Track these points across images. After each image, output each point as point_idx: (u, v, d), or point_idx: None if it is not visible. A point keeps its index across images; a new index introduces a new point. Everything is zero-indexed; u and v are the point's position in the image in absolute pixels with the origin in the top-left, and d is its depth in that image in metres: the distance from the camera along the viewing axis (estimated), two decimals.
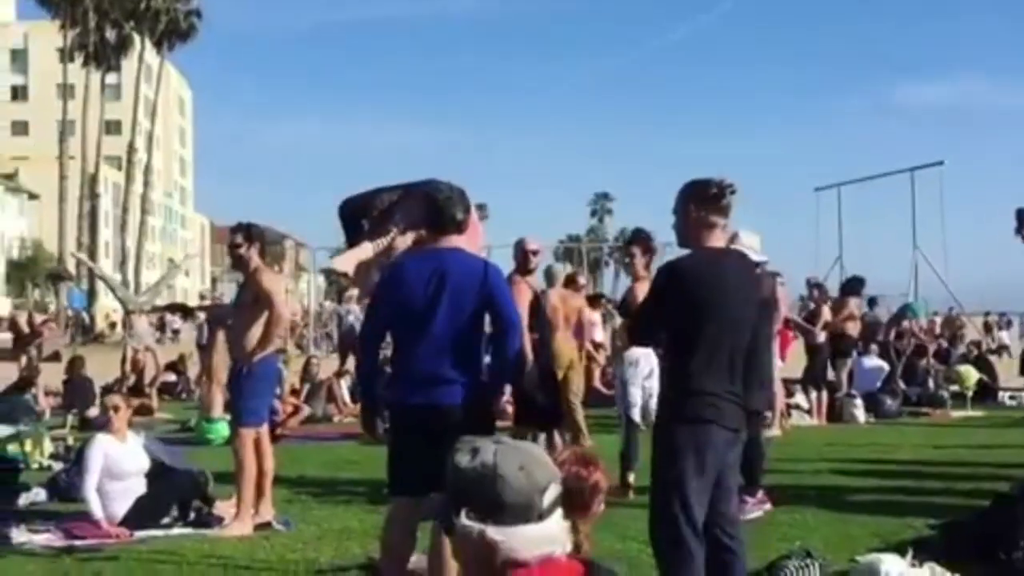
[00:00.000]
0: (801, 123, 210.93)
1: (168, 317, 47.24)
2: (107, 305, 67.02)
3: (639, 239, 9.13)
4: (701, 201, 5.05)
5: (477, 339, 5.41)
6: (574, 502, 4.01)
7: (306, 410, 15.79)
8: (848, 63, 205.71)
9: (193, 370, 20.73)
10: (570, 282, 12.06)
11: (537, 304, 9.53)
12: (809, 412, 15.11)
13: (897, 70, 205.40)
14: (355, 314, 20.87)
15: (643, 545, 5.86)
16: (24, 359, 19.35)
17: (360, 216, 6.98)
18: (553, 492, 2.49)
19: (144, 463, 8.49)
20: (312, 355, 20.62)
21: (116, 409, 8.57)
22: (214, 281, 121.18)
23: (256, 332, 8.18)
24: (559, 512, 2.50)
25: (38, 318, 20.95)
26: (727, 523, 5.13)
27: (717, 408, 4.93)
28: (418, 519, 5.46)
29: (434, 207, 5.50)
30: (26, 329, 19.50)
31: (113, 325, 61.86)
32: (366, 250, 6.87)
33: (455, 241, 5.50)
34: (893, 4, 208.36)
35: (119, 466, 8.30)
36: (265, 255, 8.54)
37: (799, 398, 14.92)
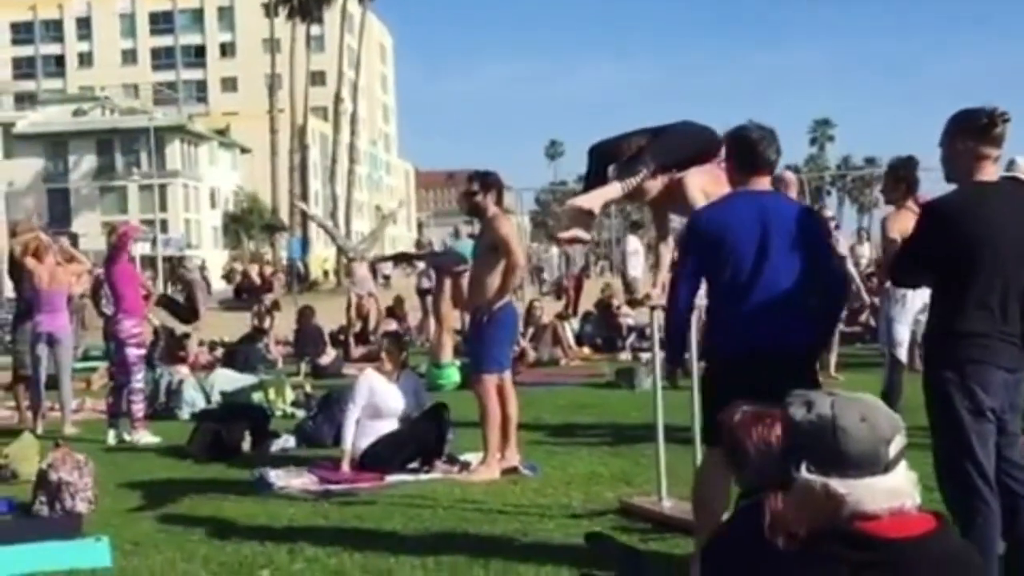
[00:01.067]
0: None
1: (380, 264, 48.28)
2: (321, 254, 69.03)
3: (906, 167, 8.60)
4: (971, 133, 4.71)
5: (807, 286, 5.15)
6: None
7: (531, 354, 15.84)
8: None
9: (412, 316, 21.06)
10: None
11: None
12: None
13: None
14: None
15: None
16: (255, 308, 19.93)
17: (609, 161, 6.81)
18: (899, 443, 2.42)
19: (402, 406, 8.67)
20: (535, 298, 20.66)
21: (389, 353, 8.91)
22: (420, 227, 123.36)
23: (495, 279, 8.18)
24: (904, 463, 2.42)
25: (267, 270, 21.49)
26: (1015, 468, 4.83)
27: (989, 349, 4.63)
28: None
29: (749, 147, 5.25)
30: (258, 281, 20.08)
31: (326, 273, 63.70)
32: (615, 190, 6.70)
33: (765, 183, 5.26)
34: None
35: (384, 403, 8.58)
36: (501, 202, 8.50)
37: None
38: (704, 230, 5.19)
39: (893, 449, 2.40)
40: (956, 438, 4.62)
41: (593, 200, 6.78)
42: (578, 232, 6.89)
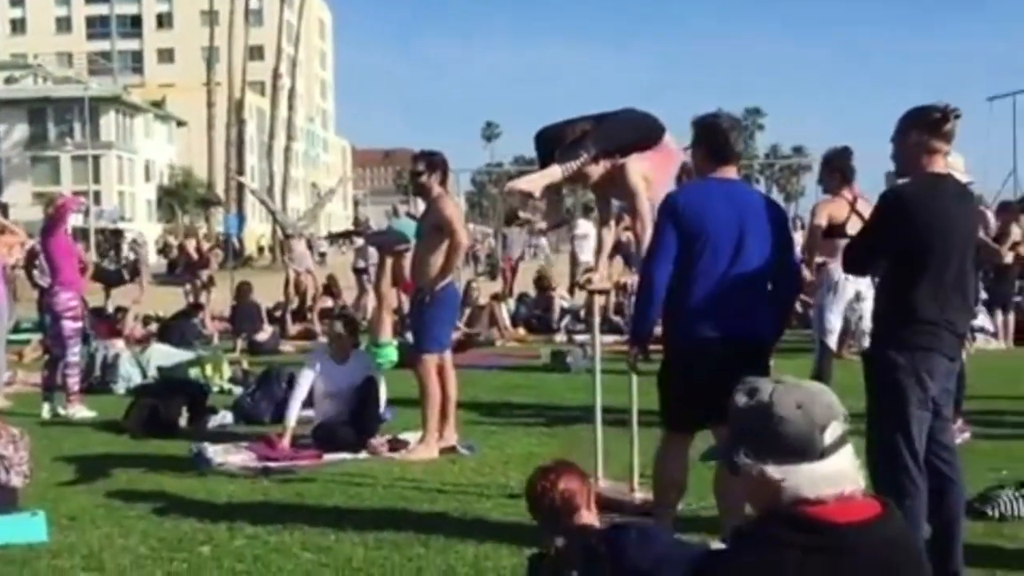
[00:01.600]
0: (974, 30, 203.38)
1: (316, 240, 48.00)
2: (256, 230, 68.52)
3: (840, 157, 8.76)
4: (924, 127, 4.87)
5: (768, 273, 5.27)
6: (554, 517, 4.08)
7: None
8: None
9: (348, 294, 21.02)
10: None
11: None
12: (995, 335, 14.65)
13: None
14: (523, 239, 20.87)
15: None
16: (192, 284, 19.79)
17: (554, 146, 6.86)
18: (836, 430, 2.44)
19: (353, 385, 8.68)
20: (471, 279, 20.70)
21: (341, 336, 8.86)
22: (356, 205, 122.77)
23: (438, 259, 8.21)
24: (847, 449, 2.45)
25: (205, 244, 21.32)
26: (945, 451, 4.99)
27: (938, 337, 4.80)
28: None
29: (721, 136, 5.34)
30: (195, 256, 19.90)
31: (261, 249, 63.23)
32: (555, 173, 6.75)
33: (732, 172, 5.36)
34: None
35: (334, 384, 8.64)
36: (446, 182, 8.52)
37: (983, 320, 14.43)
38: (683, 213, 5.25)
39: (829, 436, 2.42)
40: (898, 421, 4.75)
41: (534, 182, 6.83)
42: (525, 186, 6.87)
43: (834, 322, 8.81)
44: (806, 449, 2.41)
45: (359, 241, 20.09)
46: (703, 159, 5.43)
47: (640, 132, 6.79)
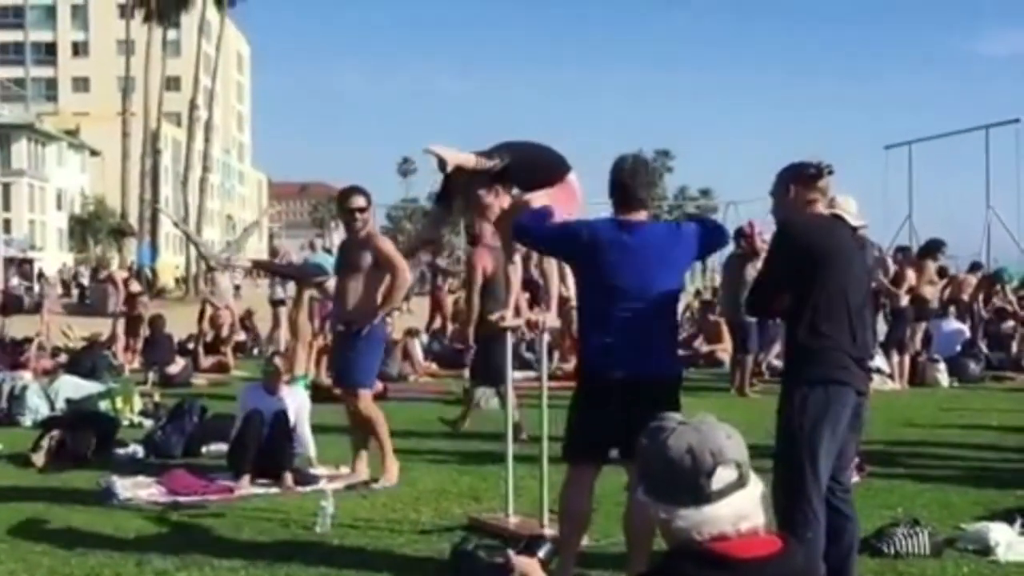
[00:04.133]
0: (871, 79, 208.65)
1: (233, 272, 47.51)
2: (171, 261, 67.76)
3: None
4: (799, 181, 5.21)
5: (674, 308, 5.48)
6: None
7: None
8: (922, 14, 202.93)
9: (262, 326, 20.91)
10: None
11: None
12: (891, 376, 15.00)
13: (971, 23, 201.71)
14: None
15: None
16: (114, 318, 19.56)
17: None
18: (725, 476, 2.46)
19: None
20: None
21: (276, 372, 8.90)
22: (271, 237, 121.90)
23: (373, 294, 8.30)
24: (742, 492, 2.47)
25: (119, 275, 21.10)
26: (843, 490, 5.15)
27: (850, 371, 4.98)
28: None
29: (620, 186, 5.49)
30: (122, 287, 19.69)
31: (178, 281, 62.50)
32: (469, 159, 6.67)
33: (641, 216, 5.50)
34: None
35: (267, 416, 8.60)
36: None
37: (879, 361, 14.78)
38: (592, 247, 5.42)
39: (717, 482, 2.44)
40: (808, 453, 4.88)
41: (449, 153, 6.71)
42: (440, 150, 6.82)
43: None
44: (693, 493, 2.44)
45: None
46: (614, 202, 5.59)
47: (551, 167, 6.88)
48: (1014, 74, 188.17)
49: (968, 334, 17.58)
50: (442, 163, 6.59)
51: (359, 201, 8.44)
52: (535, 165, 6.76)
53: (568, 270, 7.42)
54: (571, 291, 8.10)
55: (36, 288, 22.94)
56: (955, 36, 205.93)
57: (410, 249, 12.51)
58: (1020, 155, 24.15)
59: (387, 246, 8.45)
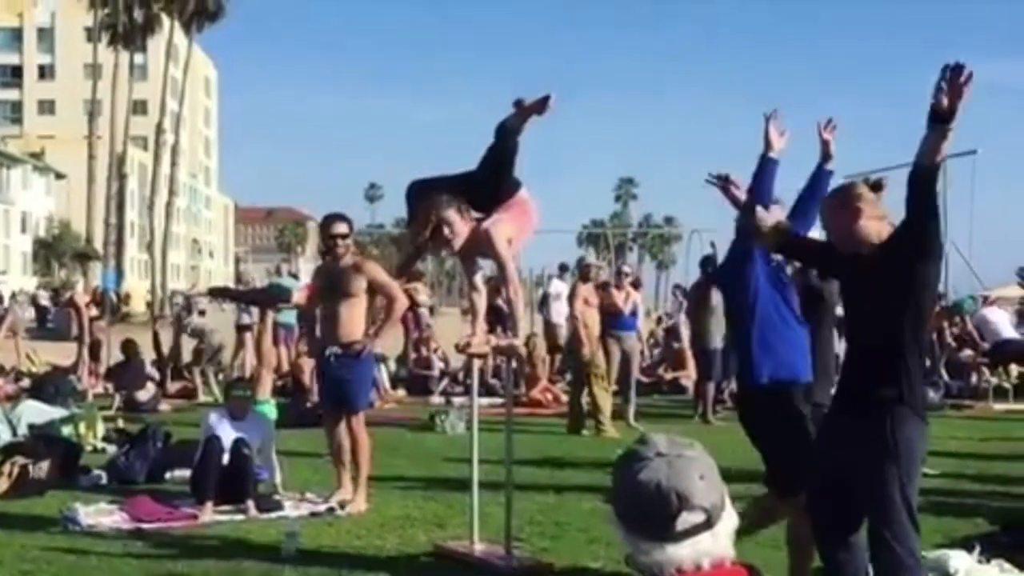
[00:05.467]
0: (827, 110, 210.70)
1: (196, 298, 47.31)
2: (137, 286, 67.38)
3: None
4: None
5: None
6: None
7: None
8: (878, 47, 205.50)
9: (227, 351, 20.82)
10: None
11: None
12: None
13: (927, 55, 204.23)
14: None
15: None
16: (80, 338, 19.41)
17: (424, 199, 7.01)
18: (690, 519, 2.39)
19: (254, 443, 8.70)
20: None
21: (244, 398, 8.98)
22: (237, 262, 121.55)
23: (360, 318, 8.55)
24: (705, 535, 2.40)
25: (81, 299, 20.93)
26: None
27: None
28: None
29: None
30: (84, 311, 19.54)
31: (149, 304, 62.12)
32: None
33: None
34: None
35: (226, 439, 8.57)
36: None
37: None
38: None
39: (681, 524, 2.38)
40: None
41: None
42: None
43: None
44: (657, 530, 2.40)
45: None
46: None
47: (509, 186, 7.01)
48: (972, 107, 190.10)
49: (928, 363, 17.74)
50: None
51: (341, 228, 8.64)
52: (483, 188, 6.88)
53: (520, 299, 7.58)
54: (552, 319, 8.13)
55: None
56: (911, 69, 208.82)
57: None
58: (977, 186, 24.30)
59: (382, 275, 8.66)
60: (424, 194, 7.02)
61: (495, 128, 6.87)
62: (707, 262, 14.50)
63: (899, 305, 4.69)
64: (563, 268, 23.95)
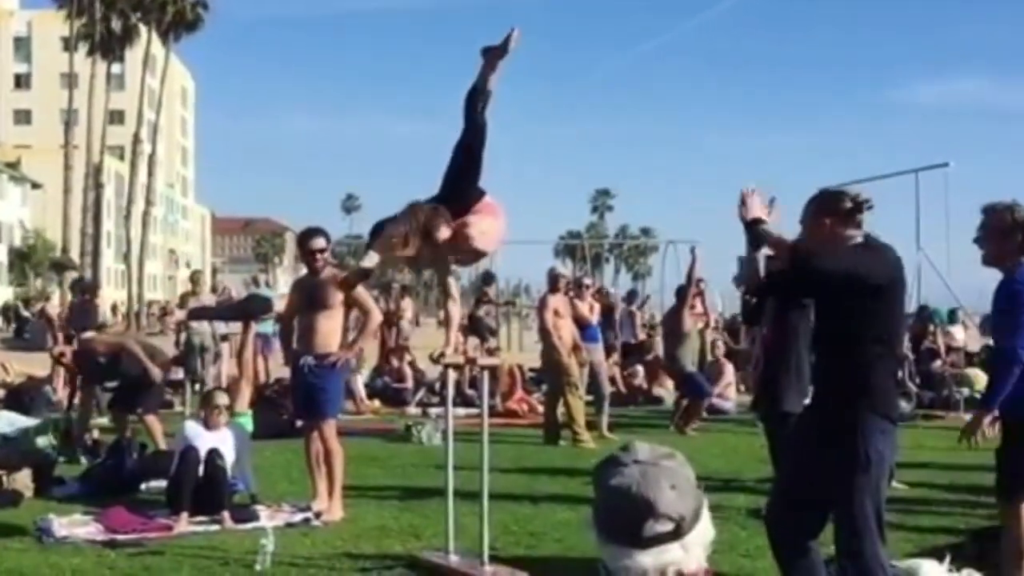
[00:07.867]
0: (803, 123, 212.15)
1: (170, 307, 47.18)
2: (113, 297, 67.11)
3: None
4: (836, 215, 4.96)
5: None
6: None
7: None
8: (852, 63, 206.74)
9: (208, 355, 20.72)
10: None
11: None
12: None
13: (901, 70, 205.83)
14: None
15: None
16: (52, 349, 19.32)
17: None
18: (657, 528, 2.43)
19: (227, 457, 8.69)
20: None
21: (218, 408, 8.93)
22: (214, 272, 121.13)
23: (337, 329, 8.71)
24: (673, 545, 2.44)
25: (52, 309, 20.88)
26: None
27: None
28: None
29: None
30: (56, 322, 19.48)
31: (125, 316, 61.88)
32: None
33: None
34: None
35: (201, 449, 8.58)
36: None
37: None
38: None
39: (648, 531, 2.42)
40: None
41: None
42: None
43: None
44: (625, 536, 2.43)
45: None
46: None
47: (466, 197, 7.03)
48: (942, 122, 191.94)
49: (900, 373, 17.84)
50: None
51: (319, 242, 8.77)
52: (451, 199, 6.89)
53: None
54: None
55: None
56: (886, 85, 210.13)
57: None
58: (949, 198, 24.44)
59: (359, 288, 8.67)
60: (390, 220, 7.00)
61: (464, 96, 6.85)
62: (682, 291, 14.83)
63: (857, 311, 4.75)
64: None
